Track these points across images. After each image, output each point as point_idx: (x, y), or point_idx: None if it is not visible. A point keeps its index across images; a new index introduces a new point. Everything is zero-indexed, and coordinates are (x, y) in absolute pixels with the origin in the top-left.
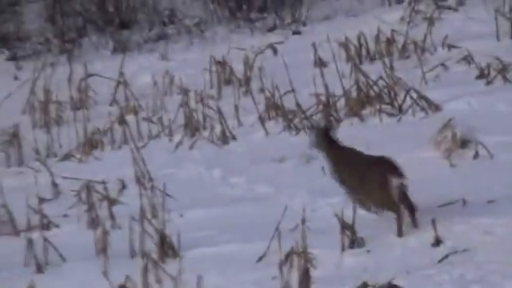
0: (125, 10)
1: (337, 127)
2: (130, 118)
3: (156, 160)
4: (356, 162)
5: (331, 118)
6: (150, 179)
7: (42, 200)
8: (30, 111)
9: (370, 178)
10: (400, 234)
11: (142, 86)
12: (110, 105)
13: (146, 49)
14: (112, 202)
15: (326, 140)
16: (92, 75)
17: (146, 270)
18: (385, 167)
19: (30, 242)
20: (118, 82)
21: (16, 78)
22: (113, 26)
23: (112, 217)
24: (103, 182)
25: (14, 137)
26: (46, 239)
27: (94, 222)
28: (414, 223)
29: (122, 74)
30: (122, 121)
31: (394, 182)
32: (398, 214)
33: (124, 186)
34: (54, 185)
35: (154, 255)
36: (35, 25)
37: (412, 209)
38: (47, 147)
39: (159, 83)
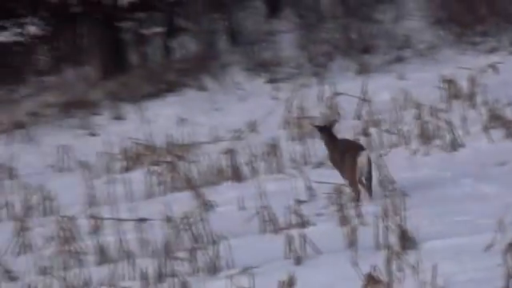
0: (366, 37)
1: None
2: (372, 130)
3: (396, 165)
4: (342, 149)
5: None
6: (392, 182)
7: (298, 202)
8: (286, 126)
9: (345, 160)
10: (357, 200)
11: (381, 103)
12: (355, 119)
13: (384, 70)
14: (359, 203)
15: (327, 135)
16: (339, 94)
17: (389, 260)
18: (354, 152)
19: (290, 238)
20: (362, 100)
21: (274, 98)
22: (356, 51)
23: (359, 215)
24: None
25: (274, 148)
26: (303, 235)
27: (343, 220)
28: (370, 195)
29: (364, 92)
30: (366, 132)
31: (359, 162)
32: (356, 188)
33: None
34: (309, 188)
35: (396, 247)
36: (289, 52)
37: (370, 186)
38: (302, 157)
39: (397, 100)
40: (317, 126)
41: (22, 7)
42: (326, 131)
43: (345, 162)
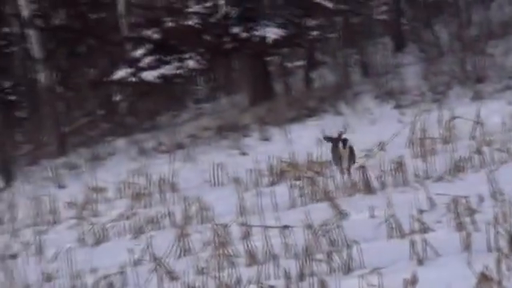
0: (480, 69)
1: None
2: (485, 148)
3: (505, 179)
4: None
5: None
6: (501, 193)
7: (420, 211)
8: (410, 146)
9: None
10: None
11: (493, 125)
12: (470, 139)
13: (495, 97)
14: (473, 212)
15: (331, 142)
16: (456, 118)
17: (499, 261)
18: (338, 142)
19: (413, 242)
20: (475, 122)
21: (400, 122)
22: (471, 80)
23: (473, 222)
24: (466, 197)
25: (400, 165)
26: (424, 240)
27: (459, 227)
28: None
29: (478, 116)
30: (479, 151)
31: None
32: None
33: (482, 200)
34: (430, 199)
35: (505, 250)
36: (413, 82)
37: (349, 167)
38: (424, 172)
39: (507, 122)
40: (325, 138)
41: (182, 44)
42: (331, 140)
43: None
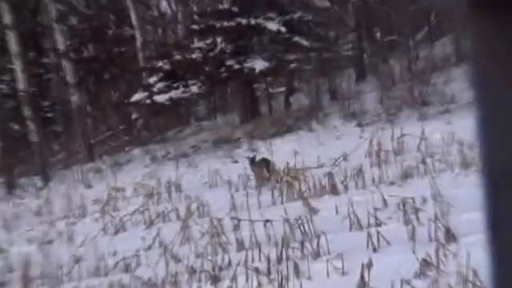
0: (425, 95)
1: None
2: (428, 159)
3: (444, 184)
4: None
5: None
6: (440, 196)
7: (375, 209)
8: (368, 156)
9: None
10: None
11: (435, 141)
12: (416, 152)
13: (437, 118)
14: (417, 210)
15: (252, 162)
16: (405, 134)
17: (438, 249)
18: (259, 162)
19: (369, 234)
20: (421, 138)
21: (360, 137)
22: (418, 104)
23: (418, 218)
24: (412, 198)
25: (360, 172)
26: (378, 232)
27: (407, 222)
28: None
29: (423, 133)
30: (424, 161)
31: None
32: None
33: (425, 200)
34: (383, 200)
35: (443, 240)
36: (372, 105)
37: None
38: (379, 177)
39: (445, 139)
40: (247, 157)
41: (187, 73)
42: (251, 160)
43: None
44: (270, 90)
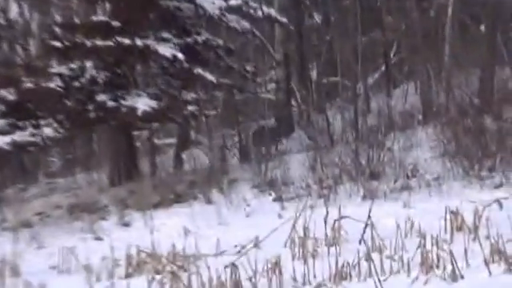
0: (375, 164)
1: None
2: (375, 255)
3: None
4: None
5: None
6: None
7: None
8: (290, 245)
9: None
10: None
11: (386, 229)
12: (358, 243)
13: (391, 197)
14: None
15: None
16: (344, 217)
17: None
18: None
19: None
20: (366, 225)
21: (280, 217)
22: (364, 176)
23: None
24: None
25: (276, 265)
26: None
27: None
28: None
29: (369, 217)
30: (369, 257)
31: None
32: None
33: None
34: None
35: None
36: (299, 172)
37: None
38: (303, 276)
39: (401, 227)
40: None
41: (40, 109)
42: None
43: None
44: (156, 140)
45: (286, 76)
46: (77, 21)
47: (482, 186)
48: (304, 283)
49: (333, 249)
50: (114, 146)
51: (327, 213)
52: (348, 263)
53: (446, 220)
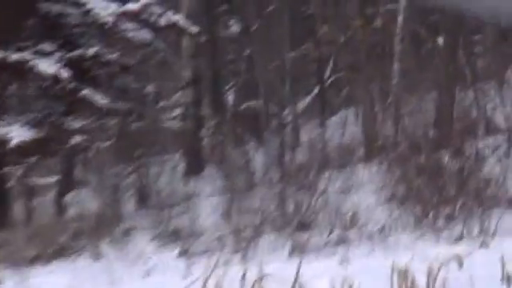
0: (305, 211)
1: None
2: None
3: None
4: None
5: None
6: None
7: None
8: None
9: None
10: None
11: None
12: None
13: (324, 252)
14: None
15: None
16: (266, 276)
17: None
18: None
19: None
20: (293, 286)
21: (186, 276)
22: (291, 226)
23: None
24: None
25: None
26: None
27: None
28: None
29: (297, 277)
30: None
31: None
32: None
33: None
34: None
35: None
36: (210, 220)
37: None
38: None
39: None
40: None
41: None
42: None
43: None
44: (33, 179)
45: (195, 99)
46: None
47: (437, 238)
48: None
49: None
50: None
51: (245, 271)
52: None
53: (392, 281)
